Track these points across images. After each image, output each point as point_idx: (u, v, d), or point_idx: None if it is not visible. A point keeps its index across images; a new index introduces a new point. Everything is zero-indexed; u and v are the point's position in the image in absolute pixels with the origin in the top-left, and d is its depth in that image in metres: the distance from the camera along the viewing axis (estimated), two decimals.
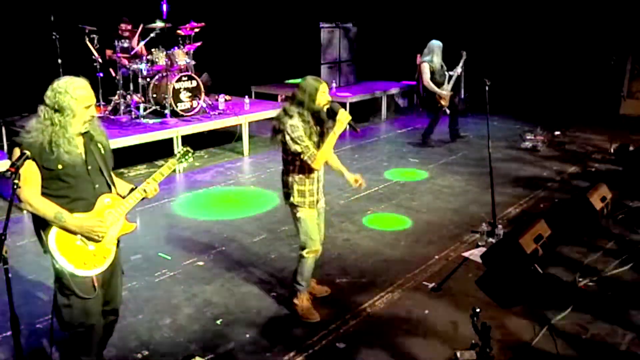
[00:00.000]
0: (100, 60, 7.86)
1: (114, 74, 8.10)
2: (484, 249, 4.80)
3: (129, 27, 8.44)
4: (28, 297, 4.25)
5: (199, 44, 8.37)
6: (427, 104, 8.91)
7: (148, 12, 8.18)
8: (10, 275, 2.67)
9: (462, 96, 10.31)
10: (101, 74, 7.86)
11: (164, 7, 7.74)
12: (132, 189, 3.11)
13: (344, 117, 3.70)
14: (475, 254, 4.89)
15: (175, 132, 7.53)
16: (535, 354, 3.63)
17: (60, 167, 2.83)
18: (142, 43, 8.18)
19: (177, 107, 7.96)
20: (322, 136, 3.80)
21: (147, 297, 4.32)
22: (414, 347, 3.70)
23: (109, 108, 8.04)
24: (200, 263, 4.90)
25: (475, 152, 8.26)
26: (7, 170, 2.64)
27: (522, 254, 3.63)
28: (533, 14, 11.15)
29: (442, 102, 8.55)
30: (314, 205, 3.89)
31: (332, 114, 3.75)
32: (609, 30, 10.45)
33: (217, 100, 8.64)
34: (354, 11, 11.85)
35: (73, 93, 2.82)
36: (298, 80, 4.03)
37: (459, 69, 8.65)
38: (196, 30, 8.25)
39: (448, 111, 8.72)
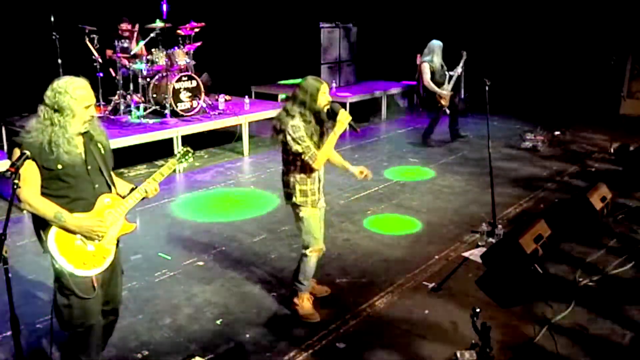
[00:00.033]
0: (100, 60, 7.85)
1: (114, 74, 8.10)
2: (484, 249, 4.79)
3: (129, 27, 8.44)
4: (28, 297, 4.25)
5: (199, 44, 8.37)
6: (427, 104, 8.91)
7: (148, 12, 8.17)
8: (10, 275, 2.67)
9: (462, 96, 10.31)
10: (101, 74, 7.85)
11: (164, 7, 7.74)
12: (133, 189, 3.11)
13: (344, 118, 3.72)
14: (475, 254, 4.89)
15: (175, 132, 7.53)
16: (536, 354, 3.63)
17: (60, 167, 2.83)
18: (142, 43, 8.18)
19: (177, 107, 7.95)
20: (322, 136, 3.81)
21: (147, 297, 4.32)
22: (413, 347, 3.70)
23: (109, 108, 8.04)
24: (200, 263, 4.90)
25: (475, 152, 8.26)
26: (7, 170, 2.64)
27: (522, 254, 3.64)
28: (533, 14, 11.15)
29: (442, 102, 8.55)
30: (316, 204, 3.90)
31: (332, 114, 3.76)
32: (609, 30, 10.45)
33: (217, 100, 8.64)
34: (354, 11, 11.84)
35: (73, 93, 2.82)
36: (298, 81, 4.03)
37: (459, 69, 8.65)
38: (196, 30, 8.25)
39: (448, 111, 8.72)
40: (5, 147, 7.18)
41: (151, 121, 7.78)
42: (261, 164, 7.94)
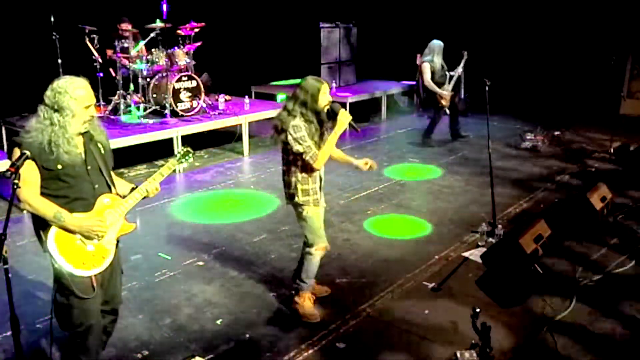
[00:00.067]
0: (100, 60, 7.85)
1: (114, 74, 8.10)
2: (484, 249, 4.79)
3: (129, 27, 8.44)
4: (28, 297, 4.25)
5: (199, 44, 8.37)
6: (427, 104, 8.91)
7: (148, 12, 8.17)
8: (10, 275, 2.67)
9: (463, 96, 10.30)
10: (101, 74, 7.85)
11: (164, 7, 7.73)
12: (133, 189, 3.11)
13: (344, 117, 3.72)
14: (475, 254, 4.89)
15: (175, 132, 7.53)
16: (536, 354, 3.63)
17: (59, 167, 2.83)
18: (142, 43, 8.18)
19: (177, 107, 7.96)
20: (322, 136, 3.81)
21: (147, 297, 4.32)
22: (413, 347, 3.70)
23: (109, 108, 8.04)
24: (200, 263, 4.90)
25: (475, 152, 8.26)
26: (7, 170, 2.64)
27: (522, 254, 3.64)
28: (533, 14, 11.15)
29: (443, 102, 8.55)
30: (317, 203, 3.90)
31: (332, 114, 3.76)
32: (609, 30, 10.44)
33: (217, 100, 8.64)
34: (354, 11, 11.84)
35: (73, 93, 2.82)
36: (298, 81, 4.03)
37: (459, 69, 8.64)
38: (196, 30, 8.25)
39: (448, 111, 8.72)
40: (5, 147, 7.18)
41: (151, 121, 7.78)
42: (261, 164, 7.94)
